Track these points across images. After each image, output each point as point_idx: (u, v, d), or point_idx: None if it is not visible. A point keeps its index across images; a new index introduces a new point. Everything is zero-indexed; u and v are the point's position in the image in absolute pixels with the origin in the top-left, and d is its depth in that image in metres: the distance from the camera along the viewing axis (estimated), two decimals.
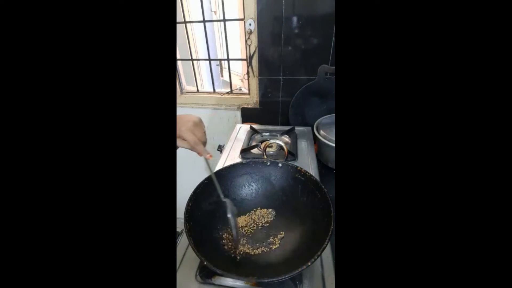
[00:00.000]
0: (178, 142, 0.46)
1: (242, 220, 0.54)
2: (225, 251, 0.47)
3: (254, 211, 0.56)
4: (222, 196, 0.49)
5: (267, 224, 0.53)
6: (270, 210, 0.56)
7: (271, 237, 0.50)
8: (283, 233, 0.51)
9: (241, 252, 0.48)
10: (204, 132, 0.47)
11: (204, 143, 0.46)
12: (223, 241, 0.49)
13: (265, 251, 0.48)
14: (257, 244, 0.49)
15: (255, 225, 0.53)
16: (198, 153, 0.46)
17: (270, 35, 0.91)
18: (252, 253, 0.47)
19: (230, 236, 0.50)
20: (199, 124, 0.46)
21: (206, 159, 0.46)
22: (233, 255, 0.47)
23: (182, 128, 0.45)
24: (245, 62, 1.03)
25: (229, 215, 0.48)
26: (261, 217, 0.55)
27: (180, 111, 1.19)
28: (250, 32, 0.93)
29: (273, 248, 0.48)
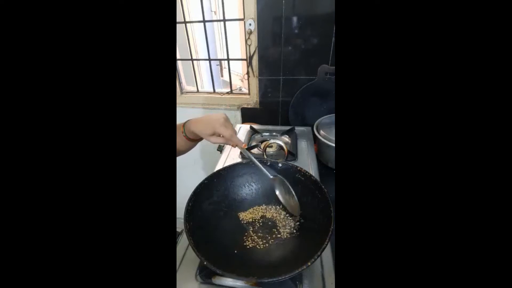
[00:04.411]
0: (214, 138, 0.51)
1: (242, 217, 0.55)
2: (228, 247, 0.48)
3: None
4: (269, 174, 0.53)
5: (269, 224, 0.53)
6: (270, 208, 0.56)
7: (271, 236, 0.50)
8: (283, 233, 0.51)
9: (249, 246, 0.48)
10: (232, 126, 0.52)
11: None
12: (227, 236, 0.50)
13: (264, 249, 0.48)
14: (258, 241, 0.49)
15: (255, 223, 0.53)
16: (232, 145, 0.52)
17: (270, 35, 0.91)
18: (252, 249, 0.48)
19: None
20: (228, 119, 0.52)
21: (243, 148, 0.53)
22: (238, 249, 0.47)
23: (216, 125, 0.50)
24: (245, 62, 1.03)
25: (277, 192, 0.54)
26: (260, 216, 0.55)
27: (180, 111, 1.19)
28: (250, 32, 0.93)
29: (272, 247, 0.48)
